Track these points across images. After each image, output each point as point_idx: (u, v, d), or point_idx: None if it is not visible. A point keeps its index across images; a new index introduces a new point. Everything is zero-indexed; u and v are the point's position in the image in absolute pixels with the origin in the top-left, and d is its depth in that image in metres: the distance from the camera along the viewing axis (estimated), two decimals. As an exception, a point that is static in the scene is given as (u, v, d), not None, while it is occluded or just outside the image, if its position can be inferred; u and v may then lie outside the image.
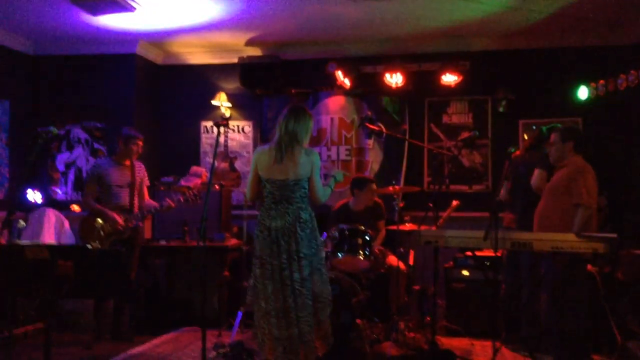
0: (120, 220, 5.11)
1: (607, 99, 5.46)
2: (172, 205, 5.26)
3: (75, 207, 5.97)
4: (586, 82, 5.54)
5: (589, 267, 4.29)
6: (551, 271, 3.92)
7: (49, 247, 2.93)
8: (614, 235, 3.55)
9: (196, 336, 5.24)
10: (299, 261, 3.80)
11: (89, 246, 3.76)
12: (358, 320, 4.60)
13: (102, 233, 5.07)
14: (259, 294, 3.87)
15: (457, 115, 6.48)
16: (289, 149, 3.87)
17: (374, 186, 5.56)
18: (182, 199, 5.25)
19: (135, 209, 5.29)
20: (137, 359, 4.73)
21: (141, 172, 5.43)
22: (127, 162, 5.32)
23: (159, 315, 6.06)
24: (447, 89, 6.19)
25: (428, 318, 5.12)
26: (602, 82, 5.33)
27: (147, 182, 5.53)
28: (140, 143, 5.33)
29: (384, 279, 5.36)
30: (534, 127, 5.41)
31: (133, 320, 5.54)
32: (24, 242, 5.11)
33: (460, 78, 6.08)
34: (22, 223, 5.32)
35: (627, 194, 5.74)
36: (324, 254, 4.07)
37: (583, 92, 5.56)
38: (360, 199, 5.48)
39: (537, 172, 4.51)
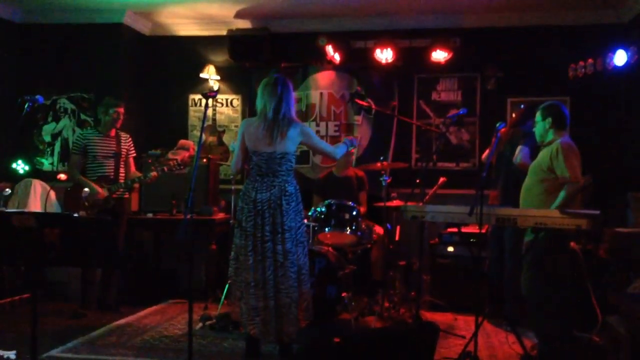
0: (102, 191, 5.10)
1: (595, 78, 5.48)
2: (155, 175, 5.23)
3: (62, 176, 5.93)
4: (575, 61, 5.54)
5: (572, 244, 4.33)
6: (534, 247, 3.96)
7: (36, 215, 2.91)
8: (598, 212, 3.57)
9: (183, 308, 5.27)
10: (283, 234, 3.81)
11: (75, 215, 3.73)
12: (344, 294, 4.64)
13: (87, 203, 5.05)
14: (242, 265, 3.89)
15: (446, 92, 6.47)
16: (276, 122, 3.85)
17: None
18: (165, 169, 5.24)
19: (121, 180, 5.27)
20: (124, 329, 4.75)
21: (127, 143, 5.40)
22: (112, 133, 5.29)
23: (146, 287, 6.07)
24: (437, 65, 6.18)
25: (413, 293, 5.19)
26: (590, 60, 5.34)
27: (133, 153, 5.50)
28: (121, 110, 5.27)
29: (370, 254, 5.42)
30: (522, 106, 5.42)
31: (120, 292, 5.56)
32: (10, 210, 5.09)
33: (451, 55, 6.08)
34: (7, 191, 5.28)
35: (612, 172, 5.80)
36: (305, 227, 4.09)
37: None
38: (340, 163, 5.61)
39: (519, 148, 4.54)
